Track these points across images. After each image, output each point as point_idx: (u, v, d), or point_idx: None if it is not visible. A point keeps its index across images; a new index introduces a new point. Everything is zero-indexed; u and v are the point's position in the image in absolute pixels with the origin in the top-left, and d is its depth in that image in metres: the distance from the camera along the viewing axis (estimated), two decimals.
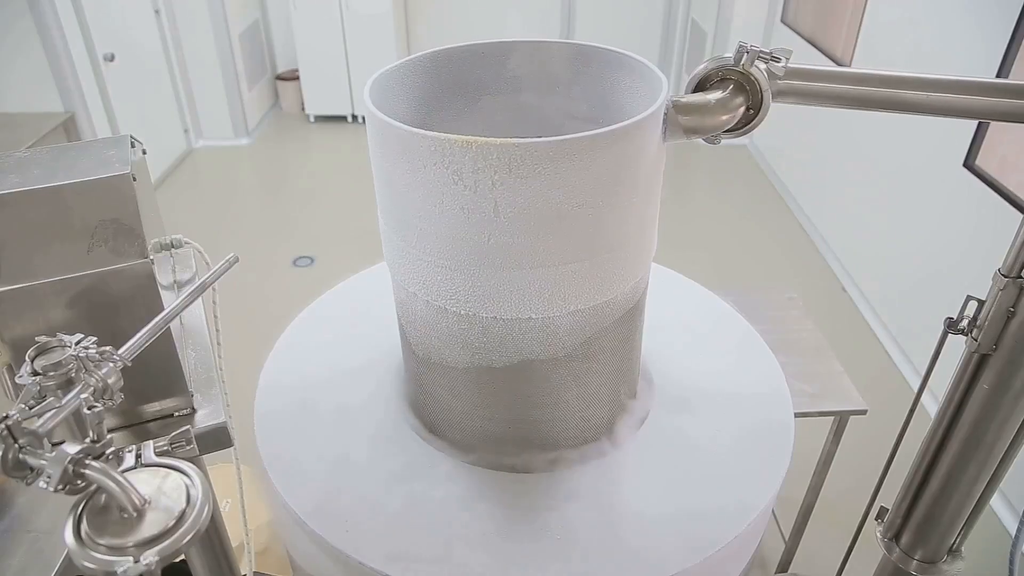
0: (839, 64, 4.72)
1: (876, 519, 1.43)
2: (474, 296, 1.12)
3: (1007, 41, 3.13)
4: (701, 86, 1.15)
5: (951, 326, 1.16)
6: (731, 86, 1.11)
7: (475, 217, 1.03)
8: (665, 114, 1.10)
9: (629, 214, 1.11)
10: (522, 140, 0.96)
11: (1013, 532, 1.30)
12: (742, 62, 1.09)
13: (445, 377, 1.26)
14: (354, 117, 7.19)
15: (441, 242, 1.08)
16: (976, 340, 1.12)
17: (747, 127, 1.14)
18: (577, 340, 1.19)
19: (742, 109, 1.11)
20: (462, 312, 1.14)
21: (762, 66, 1.08)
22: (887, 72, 1.06)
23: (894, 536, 1.38)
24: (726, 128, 1.11)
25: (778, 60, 1.07)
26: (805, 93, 1.10)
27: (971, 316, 1.13)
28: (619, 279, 1.16)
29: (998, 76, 3.18)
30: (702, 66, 1.13)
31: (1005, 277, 1.06)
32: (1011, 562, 1.34)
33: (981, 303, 1.12)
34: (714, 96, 1.10)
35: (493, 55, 1.33)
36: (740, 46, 1.08)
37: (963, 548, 1.37)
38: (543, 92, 1.37)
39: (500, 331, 1.16)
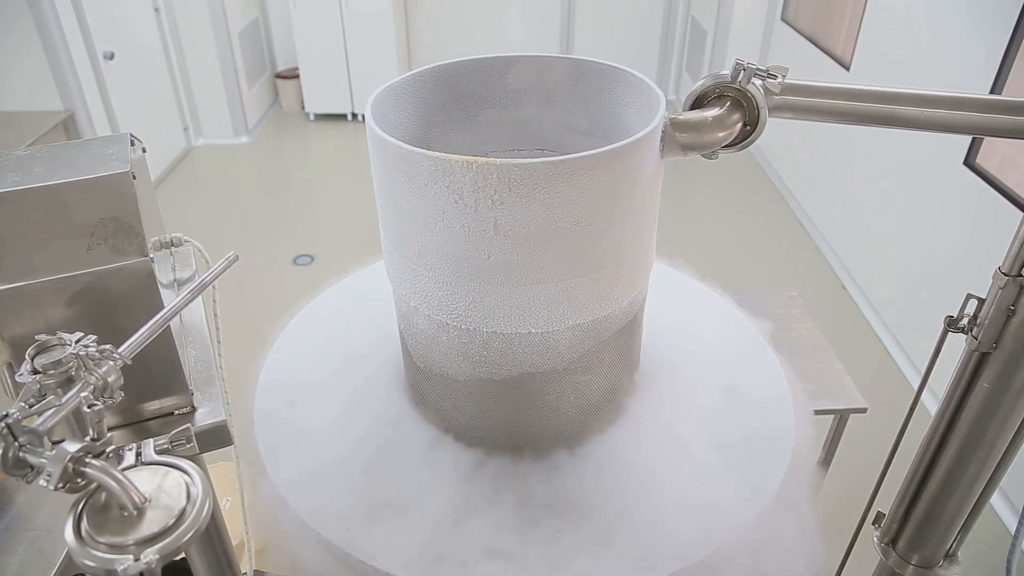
0: (839, 62, 4.72)
1: (873, 524, 1.43)
2: (475, 311, 1.13)
3: (1008, 38, 3.13)
4: (699, 103, 1.16)
5: (951, 324, 1.16)
6: (728, 103, 1.12)
7: (475, 235, 1.04)
8: (663, 131, 1.11)
9: (627, 230, 1.12)
10: (521, 160, 0.98)
11: (1013, 532, 1.30)
12: (739, 79, 1.10)
13: (446, 388, 1.28)
14: (354, 115, 7.19)
15: (442, 258, 1.10)
16: (976, 338, 1.12)
17: (744, 143, 1.16)
18: (576, 353, 1.21)
19: (739, 125, 1.12)
20: (463, 327, 1.16)
21: (759, 83, 1.10)
22: (883, 88, 1.07)
23: (891, 541, 1.39)
24: (723, 144, 1.13)
25: (775, 77, 1.08)
26: (801, 109, 1.11)
27: (971, 314, 1.13)
28: (618, 293, 1.18)
29: (999, 72, 3.18)
30: (700, 83, 1.15)
31: (1005, 275, 1.06)
32: (1008, 563, 1.34)
33: (981, 301, 1.12)
34: (711, 113, 1.12)
35: (493, 70, 1.35)
36: (737, 63, 1.10)
37: (959, 552, 1.37)
38: (542, 106, 1.39)
39: (500, 345, 1.17)
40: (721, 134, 1.11)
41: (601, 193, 1.04)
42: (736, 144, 1.15)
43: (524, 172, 0.98)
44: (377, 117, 1.14)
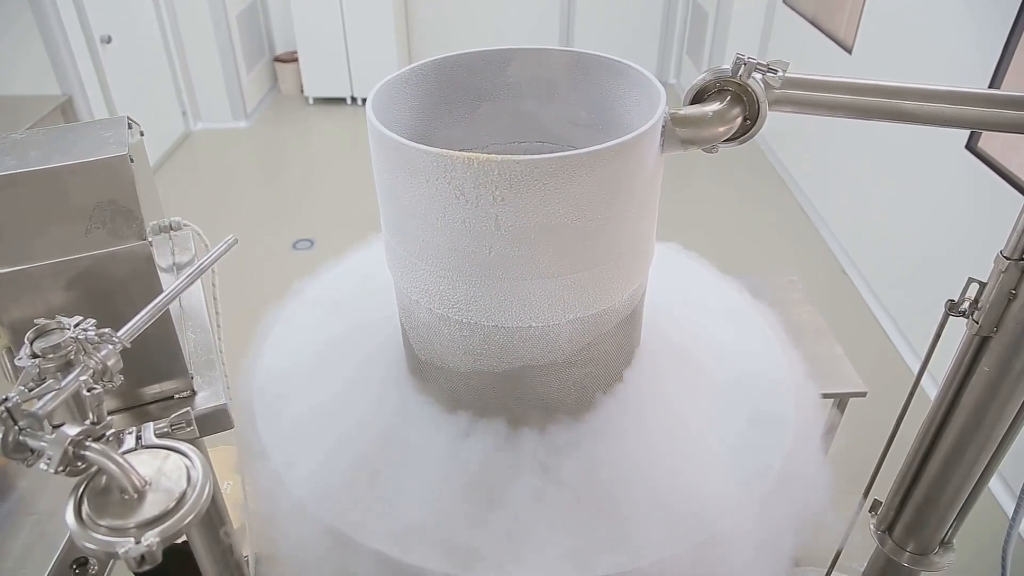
0: (841, 45, 4.69)
1: (870, 511, 1.44)
2: (476, 305, 1.14)
3: (1010, 24, 3.10)
4: (699, 97, 1.17)
5: (952, 308, 1.16)
6: (728, 97, 1.13)
7: (476, 230, 1.05)
8: (663, 126, 1.11)
9: (628, 225, 1.13)
10: (522, 157, 0.98)
11: (1009, 520, 1.31)
12: (739, 74, 1.11)
13: (447, 379, 1.29)
14: (353, 99, 7.16)
15: (443, 253, 1.10)
16: (977, 322, 1.12)
17: (744, 136, 1.16)
18: (576, 347, 1.21)
19: (739, 120, 1.13)
20: (464, 320, 1.17)
21: (759, 77, 1.10)
22: (884, 83, 1.08)
23: (887, 529, 1.40)
24: (723, 139, 1.14)
25: (775, 71, 1.08)
26: (801, 103, 1.12)
27: (972, 298, 1.13)
28: (618, 288, 1.18)
29: (1001, 57, 3.16)
30: (700, 77, 1.15)
31: (1007, 259, 1.06)
32: (1004, 557, 1.35)
33: (982, 285, 1.12)
34: (711, 108, 1.12)
35: (493, 62, 1.35)
36: (737, 57, 1.10)
37: (955, 540, 1.38)
38: (543, 99, 1.39)
39: (501, 339, 1.18)
40: (721, 129, 1.12)
41: (602, 189, 1.05)
42: (736, 138, 1.16)
43: (525, 168, 0.99)
44: (378, 112, 1.14)
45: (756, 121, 1.14)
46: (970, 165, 3.36)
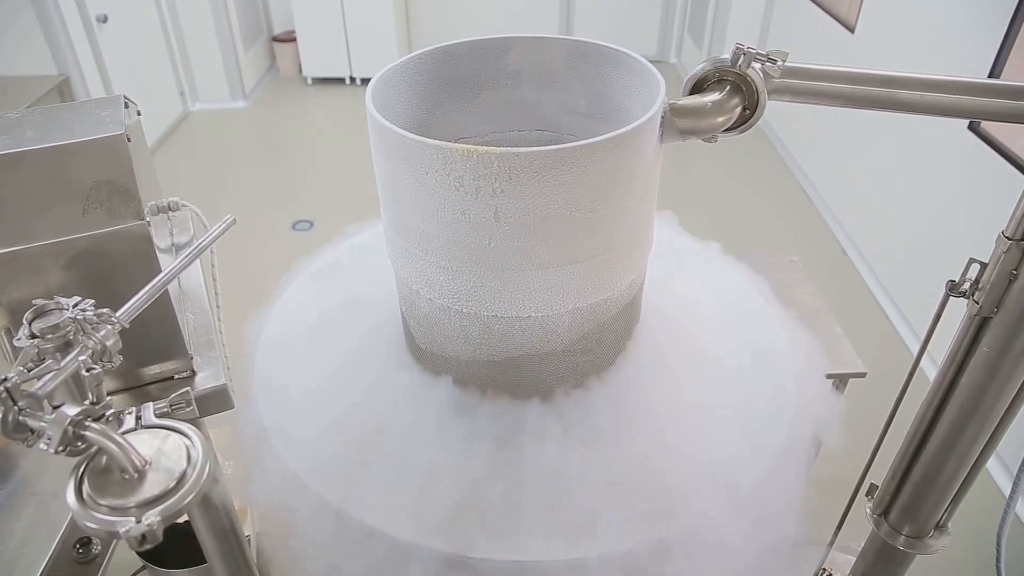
0: (844, 24, 4.65)
1: (866, 495, 1.45)
2: (476, 296, 1.14)
3: (1014, 4, 3.07)
4: (698, 87, 1.16)
5: (952, 289, 1.16)
6: (728, 87, 1.12)
7: (476, 222, 1.05)
8: (662, 117, 1.11)
9: (627, 215, 1.13)
10: (521, 149, 0.98)
11: (1004, 506, 1.31)
12: (739, 63, 1.10)
13: (447, 367, 1.30)
14: (352, 79, 7.10)
15: (443, 244, 1.11)
16: (977, 303, 1.12)
17: (744, 126, 1.16)
18: (575, 336, 1.22)
19: (738, 110, 1.12)
20: (464, 310, 1.17)
21: (758, 67, 1.10)
22: (883, 72, 1.08)
23: (883, 512, 1.41)
24: (723, 129, 1.13)
25: (774, 61, 1.08)
26: (801, 92, 1.11)
27: (973, 279, 1.13)
28: (617, 277, 1.19)
29: (1005, 38, 3.13)
30: (699, 67, 1.15)
31: (1009, 240, 1.05)
32: (999, 540, 1.36)
33: (983, 266, 1.12)
34: (710, 98, 1.12)
35: (493, 51, 1.35)
36: (737, 47, 1.10)
37: (949, 524, 1.39)
38: (542, 87, 1.39)
39: (501, 328, 1.19)
40: (720, 119, 1.12)
41: (601, 180, 1.05)
42: (735, 128, 1.16)
43: (524, 161, 0.99)
44: (377, 102, 1.14)
45: (755, 111, 1.13)
46: (972, 145, 3.34)
